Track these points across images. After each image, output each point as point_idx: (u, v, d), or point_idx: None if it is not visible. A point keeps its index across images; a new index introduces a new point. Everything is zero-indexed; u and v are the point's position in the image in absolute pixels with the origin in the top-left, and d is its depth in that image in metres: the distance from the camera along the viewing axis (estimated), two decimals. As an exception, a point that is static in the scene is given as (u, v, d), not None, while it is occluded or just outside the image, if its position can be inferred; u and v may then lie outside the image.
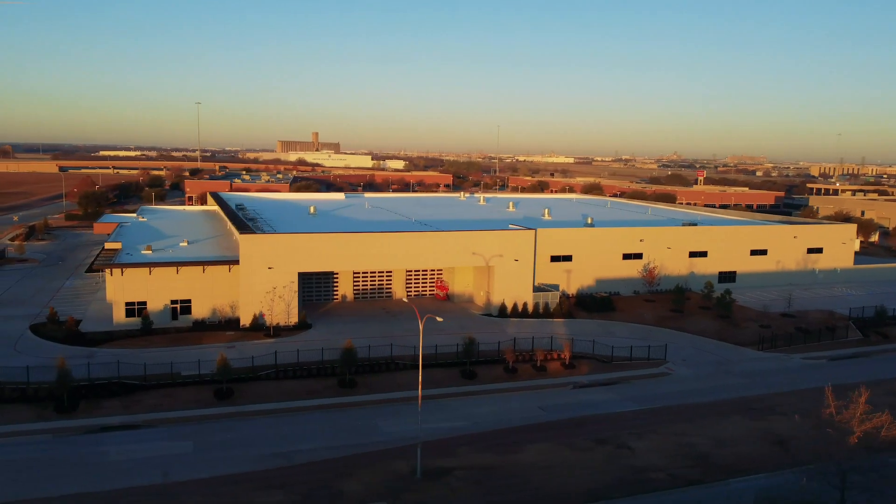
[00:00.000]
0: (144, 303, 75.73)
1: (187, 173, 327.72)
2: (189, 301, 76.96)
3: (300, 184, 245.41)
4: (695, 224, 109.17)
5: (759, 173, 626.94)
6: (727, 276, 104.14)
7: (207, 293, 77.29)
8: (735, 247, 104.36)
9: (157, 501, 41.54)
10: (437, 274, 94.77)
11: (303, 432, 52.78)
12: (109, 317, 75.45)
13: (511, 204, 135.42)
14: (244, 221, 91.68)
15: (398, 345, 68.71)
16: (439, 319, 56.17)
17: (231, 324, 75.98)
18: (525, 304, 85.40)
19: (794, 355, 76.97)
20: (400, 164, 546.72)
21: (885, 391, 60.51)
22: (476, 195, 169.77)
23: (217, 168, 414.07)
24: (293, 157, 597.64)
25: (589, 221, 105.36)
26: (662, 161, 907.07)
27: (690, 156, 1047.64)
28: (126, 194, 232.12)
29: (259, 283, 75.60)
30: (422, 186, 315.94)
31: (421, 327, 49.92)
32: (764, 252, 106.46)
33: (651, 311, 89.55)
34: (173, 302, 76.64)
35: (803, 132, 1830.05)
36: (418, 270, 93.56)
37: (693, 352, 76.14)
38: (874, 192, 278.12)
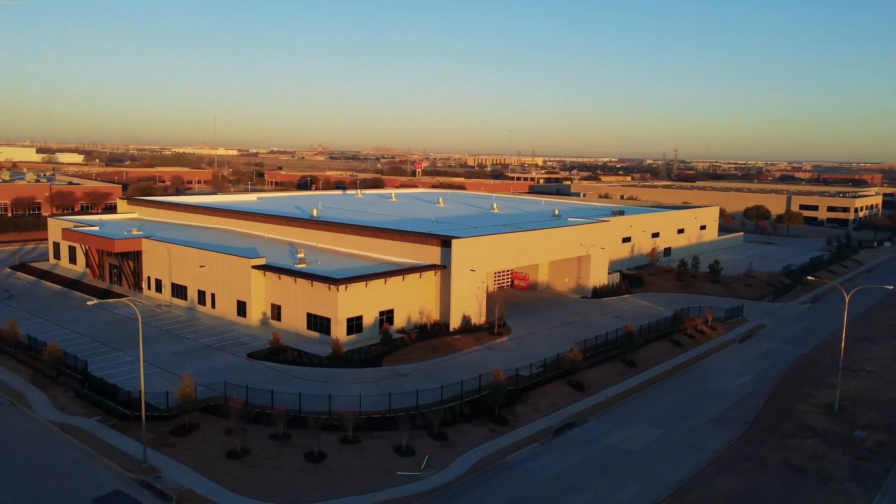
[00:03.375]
0: (361, 317, 72.31)
1: None
2: (392, 311, 75.31)
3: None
4: (622, 213, 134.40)
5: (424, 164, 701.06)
6: (667, 251, 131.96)
7: (405, 301, 76.46)
8: (669, 227, 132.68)
9: (752, 461, 49.64)
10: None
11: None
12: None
13: (441, 199, 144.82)
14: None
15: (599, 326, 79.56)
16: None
17: (440, 329, 76.73)
18: (603, 286, 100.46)
19: (793, 302, 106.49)
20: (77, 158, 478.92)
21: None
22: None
23: None
24: None
25: (556, 213, 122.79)
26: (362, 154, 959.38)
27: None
28: None
29: (465, 285, 77.87)
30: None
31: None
32: (682, 231, 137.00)
33: (664, 282, 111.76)
34: (381, 313, 74.33)
35: (496, 131, 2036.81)
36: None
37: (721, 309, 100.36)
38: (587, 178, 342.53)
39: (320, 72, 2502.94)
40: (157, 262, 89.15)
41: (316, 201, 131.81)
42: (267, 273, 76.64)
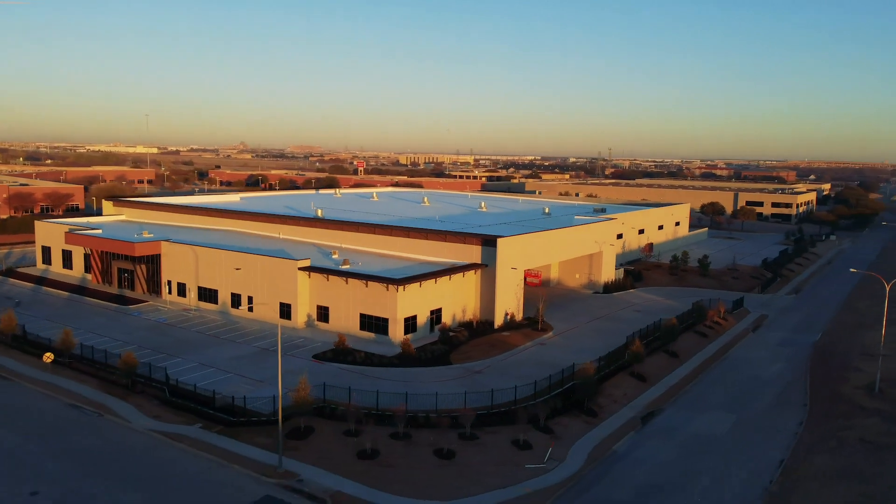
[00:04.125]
0: (415, 316, 73.05)
1: None
2: (440, 310, 76.34)
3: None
4: (604, 211, 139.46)
5: (356, 162, 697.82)
6: (650, 247, 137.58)
7: (451, 300, 77.60)
8: (653, 224, 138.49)
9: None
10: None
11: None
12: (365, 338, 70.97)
13: (426, 199, 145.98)
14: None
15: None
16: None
17: (486, 326, 78.23)
18: (612, 281, 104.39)
19: (779, 293, 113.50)
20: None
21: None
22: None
23: None
24: None
25: (546, 211, 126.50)
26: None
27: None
28: None
29: (507, 283, 79.68)
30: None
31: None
32: (662, 227, 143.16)
33: (658, 277, 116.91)
34: (432, 312, 75.26)
35: (423, 128, 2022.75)
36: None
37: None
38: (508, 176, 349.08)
39: (239, 68, 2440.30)
40: (179, 266, 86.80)
41: (301, 201, 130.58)
42: (312, 274, 76.21)
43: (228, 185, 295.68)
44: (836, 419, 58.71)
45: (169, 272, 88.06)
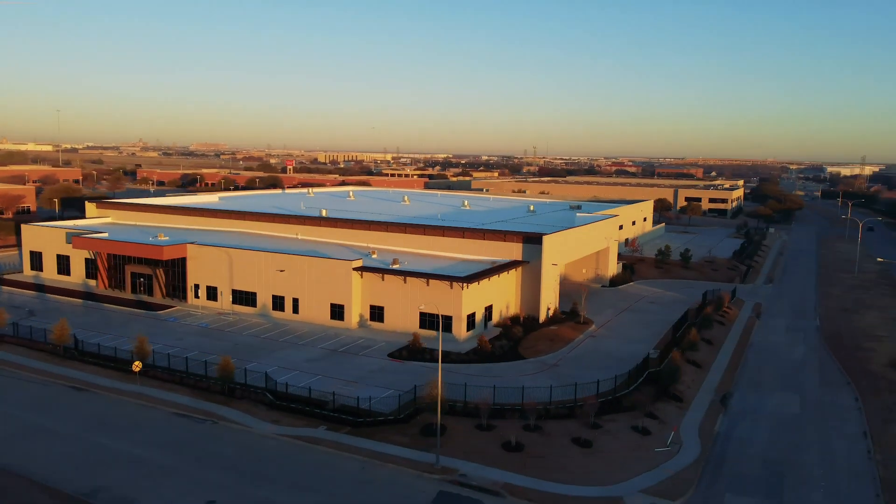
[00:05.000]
0: (474, 314, 74.51)
1: None
2: (491, 307, 78.11)
3: None
4: (580, 208, 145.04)
5: (273, 161, 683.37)
6: (636, 241, 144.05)
7: (498, 297, 79.51)
8: (629, 220, 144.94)
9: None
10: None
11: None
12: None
13: (406, 198, 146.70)
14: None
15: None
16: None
17: (532, 321, 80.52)
18: (615, 275, 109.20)
19: (757, 282, 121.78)
20: None
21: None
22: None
23: None
24: None
25: (531, 209, 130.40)
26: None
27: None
28: None
29: (549, 279, 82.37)
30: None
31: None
32: (634, 223, 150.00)
33: (646, 270, 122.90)
34: (486, 309, 76.94)
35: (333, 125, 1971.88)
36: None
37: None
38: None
39: (133, 62, 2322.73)
40: (208, 269, 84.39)
41: (278, 201, 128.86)
42: (364, 274, 76.25)
43: (162, 185, 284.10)
44: (885, 394, 64.89)
45: (196, 275, 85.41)
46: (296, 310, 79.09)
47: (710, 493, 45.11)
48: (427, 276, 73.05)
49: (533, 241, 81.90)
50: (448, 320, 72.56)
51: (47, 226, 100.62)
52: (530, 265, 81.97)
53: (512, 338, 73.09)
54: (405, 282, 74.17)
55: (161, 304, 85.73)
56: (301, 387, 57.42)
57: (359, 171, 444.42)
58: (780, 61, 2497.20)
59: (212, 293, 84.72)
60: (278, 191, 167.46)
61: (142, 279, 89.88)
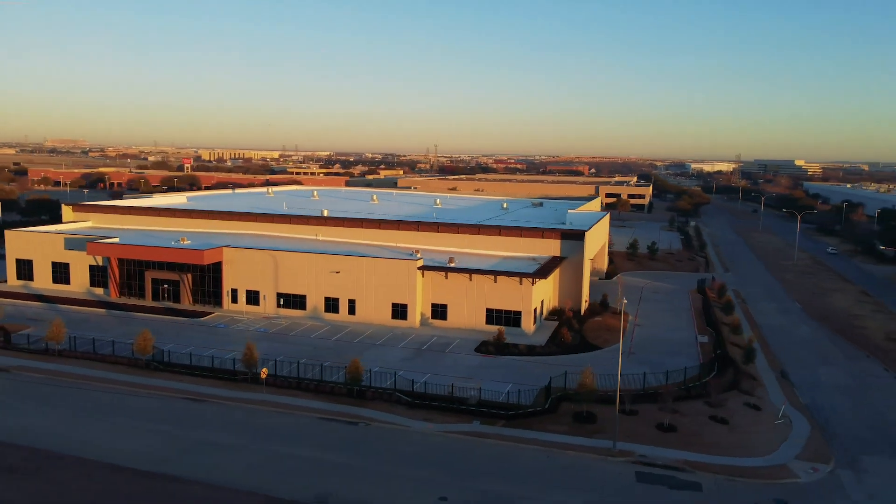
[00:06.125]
0: (536, 308, 77.51)
1: None
2: (542, 301, 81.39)
3: None
4: (542, 205, 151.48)
5: (151, 158, 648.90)
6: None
7: (545, 292, 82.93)
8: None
9: None
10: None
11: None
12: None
13: (375, 197, 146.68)
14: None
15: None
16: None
17: (576, 314, 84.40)
18: (609, 268, 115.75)
19: (717, 271, 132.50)
20: None
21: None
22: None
23: None
24: None
25: (504, 206, 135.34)
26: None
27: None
28: None
29: (587, 273, 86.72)
30: None
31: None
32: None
33: (621, 262, 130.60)
34: (541, 303, 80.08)
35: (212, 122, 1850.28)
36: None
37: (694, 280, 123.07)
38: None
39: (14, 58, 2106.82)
40: (247, 272, 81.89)
41: (248, 201, 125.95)
42: (426, 273, 77.25)
43: (58, 186, 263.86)
44: (905, 366, 74.48)
45: (233, 280, 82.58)
46: (352, 311, 78.69)
47: (847, 455, 50.96)
48: (495, 273, 75.27)
49: (572, 237, 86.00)
50: (517, 315, 75.15)
51: (39, 232, 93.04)
52: (569, 260, 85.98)
53: (573, 329, 76.81)
54: (471, 279, 75.96)
55: (194, 311, 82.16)
56: (437, 384, 57.91)
57: (259, 169, 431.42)
58: (647, 64, 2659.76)
59: (252, 297, 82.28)
60: (230, 191, 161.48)
61: (166, 285, 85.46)
